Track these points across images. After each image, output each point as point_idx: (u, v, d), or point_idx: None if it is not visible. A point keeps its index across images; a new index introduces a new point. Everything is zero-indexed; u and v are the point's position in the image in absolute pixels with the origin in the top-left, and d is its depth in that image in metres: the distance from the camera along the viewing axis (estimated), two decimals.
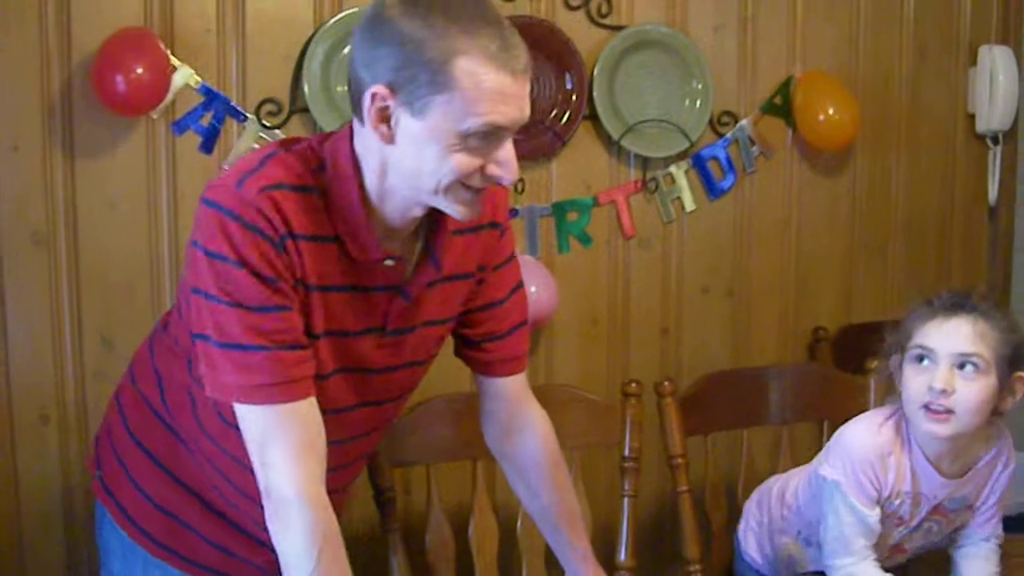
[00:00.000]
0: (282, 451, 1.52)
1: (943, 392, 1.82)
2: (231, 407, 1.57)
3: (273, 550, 1.74)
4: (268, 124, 2.49)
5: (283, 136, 2.48)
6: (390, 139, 1.50)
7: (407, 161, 1.51)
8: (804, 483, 2.10)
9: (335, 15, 2.50)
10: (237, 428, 1.58)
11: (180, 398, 1.71)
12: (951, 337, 1.83)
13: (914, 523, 1.98)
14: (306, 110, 2.50)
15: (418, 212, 1.60)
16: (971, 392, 1.82)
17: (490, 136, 1.49)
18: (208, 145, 2.46)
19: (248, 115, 2.48)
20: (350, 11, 2.50)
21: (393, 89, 1.46)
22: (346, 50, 2.50)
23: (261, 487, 1.54)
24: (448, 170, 1.50)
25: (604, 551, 2.21)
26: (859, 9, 3.02)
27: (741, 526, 2.31)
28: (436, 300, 1.72)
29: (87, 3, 2.35)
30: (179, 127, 2.44)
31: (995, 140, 3.18)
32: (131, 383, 1.81)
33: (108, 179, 2.41)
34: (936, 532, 2.01)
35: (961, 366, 1.82)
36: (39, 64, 2.34)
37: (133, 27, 2.36)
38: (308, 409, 1.56)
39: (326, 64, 2.49)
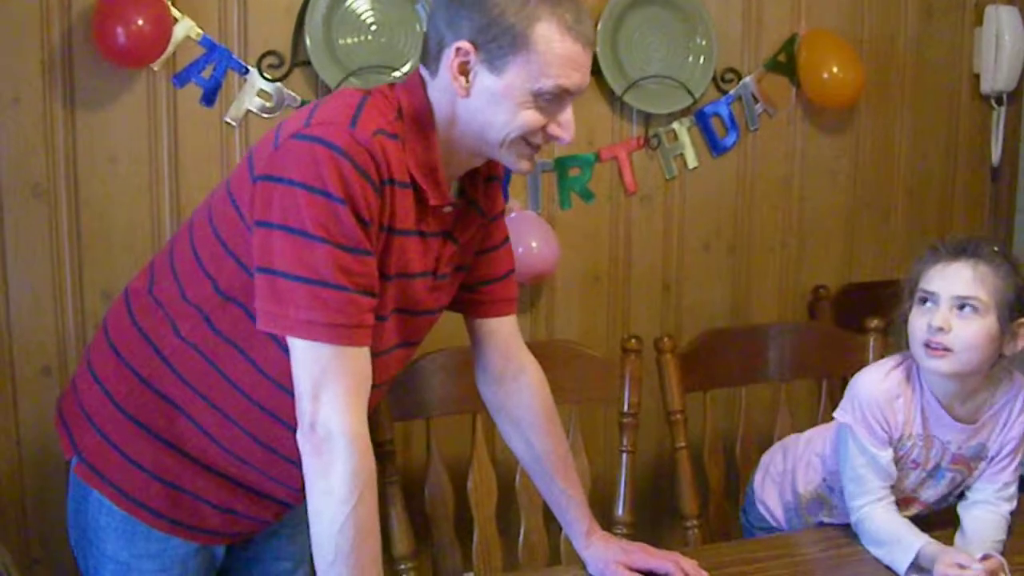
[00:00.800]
0: (338, 390, 1.54)
1: (940, 330, 1.88)
2: (273, 360, 1.60)
3: (281, 502, 1.75)
4: (269, 77, 2.48)
5: (286, 90, 2.47)
6: (466, 92, 1.62)
7: (479, 114, 1.63)
8: (831, 433, 2.13)
9: None
10: (276, 382, 1.62)
11: (189, 358, 1.69)
12: (951, 280, 1.90)
13: (930, 466, 2.00)
14: (308, 63, 2.49)
15: (478, 162, 1.74)
16: (968, 331, 1.88)
17: (557, 98, 1.62)
18: (209, 98, 2.45)
19: (250, 68, 2.46)
20: None
21: (476, 46, 1.59)
22: (348, 3, 2.49)
23: (304, 422, 1.54)
24: (517, 125, 1.62)
25: (602, 506, 2.23)
26: None
27: (758, 476, 2.31)
28: (469, 245, 1.81)
29: None
30: (180, 79, 2.43)
31: (999, 101, 3.16)
32: (112, 353, 1.75)
33: (109, 132, 2.40)
34: (959, 481, 2.03)
35: (960, 307, 1.89)
36: (39, 16, 2.32)
37: None
38: (365, 356, 1.59)
39: (328, 17, 2.48)
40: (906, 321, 1.96)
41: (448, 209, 1.71)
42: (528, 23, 1.57)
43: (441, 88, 1.64)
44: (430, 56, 1.65)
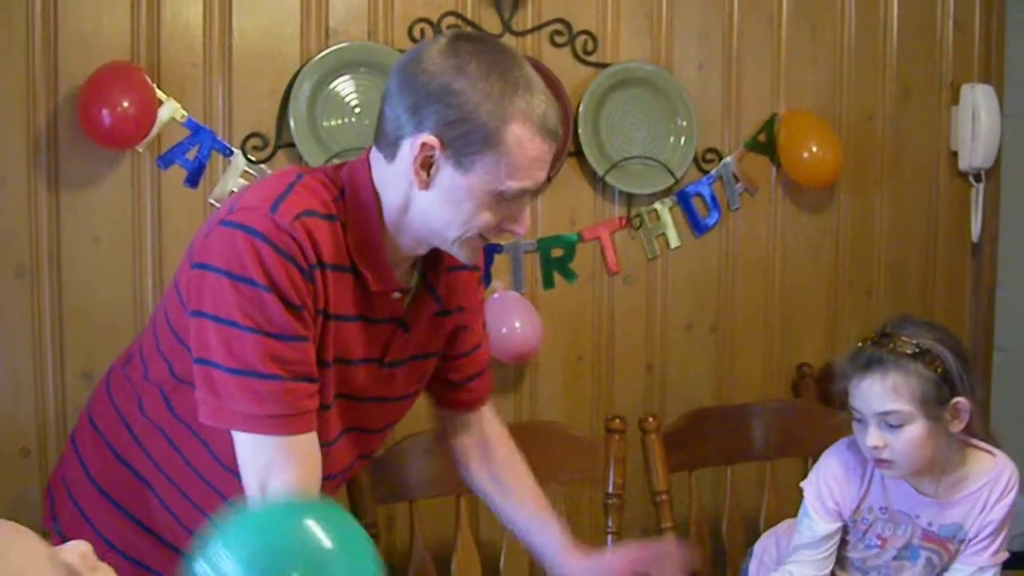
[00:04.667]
0: (285, 482, 1.51)
1: (875, 448, 1.91)
2: (226, 447, 1.56)
3: None
4: (254, 159, 2.49)
5: (269, 171, 2.48)
6: (426, 185, 1.55)
7: (436, 208, 1.57)
8: None
9: (321, 50, 2.51)
10: (228, 468, 1.58)
11: (154, 438, 1.67)
12: (868, 398, 1.92)
13: (899, 544, 1.99)
14: (292, 145, 2.51)
15: (425, 249, 1.66)
16: (901, 442, 1.90)
17: (519, 196, 1.57)
18: (194, 179, 2.46)
19: (234, 149, 2.48)
20: (337, 46, 2.51)
21: (443, 142, 1.52)
22: (332, 85, 2.52)
23: None
24: (475, 224, 1.57)
25: None
26: (842, 48, 3.04)
27: (753, 565, 2.29)
28: (428, 333, 1.76)
29: (74, 36, 2.36)
30: (164, 161, 2.44)
31: (977, 178, 3.19)
32: (91, 428, 1.76)
33: (93, 213, 2.41)
34: (938, 564, 2.02)
35: (886, 422, 1.90)
36: (25, 97, 2.34)
37: (120, 61, 2.37)
38: (311, 443, 1.56)
39: (312, 99, 2.50)
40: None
41: (397, 295, 1.66)
42: (501, 123, 1.50)
43: (396, 174, 1.57)
44: (386, 141, 1.58)
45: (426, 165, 1.54)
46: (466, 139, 1.51)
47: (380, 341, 1.68)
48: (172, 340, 1.62)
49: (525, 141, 1.52)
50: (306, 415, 1.53)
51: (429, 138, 1.52)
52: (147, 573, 1.71)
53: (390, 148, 1.57)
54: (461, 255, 1.63)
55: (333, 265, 1.56)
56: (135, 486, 1.70)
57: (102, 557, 1.66)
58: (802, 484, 2.08)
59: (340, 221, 1.58)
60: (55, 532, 1.77)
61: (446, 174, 1.54)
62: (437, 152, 1.52)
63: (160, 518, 1.69)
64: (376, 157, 1.61)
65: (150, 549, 1.71)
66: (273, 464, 1.51)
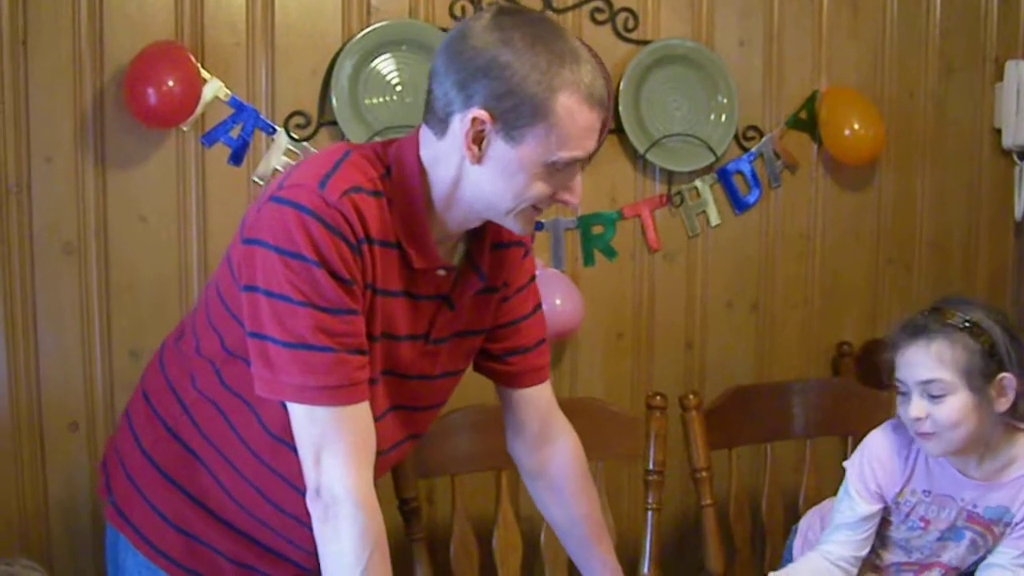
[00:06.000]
0: (338, 453, 1.53)
1: (918, 420, 1.90)
2: (276, 417, 1.58)
3: (297, 564, 1.74)
4: (296, 137, 2.51)
5: (312, 149, 2.50)
6: (478, 160, 1.56)
7: (488, 182, 1.57)
8: None
9: (363, 29, 2.52)
10: (279, 438, 1.60)
11: (206, 411, 1.70)
12: (911, 367, 1.91)
13: (943, 526, 1.98)
14: (334, 123, 2.53)
15: (475, 224, 1.67)
16: (943, 413, 1.88)
17: (570, 165, 1.57)
18: (237, 157, 2.49)
19: (277, 128, 2.50)
20: (378, 24, 2.52)
21: (493, 116, 1.52)
22: (374, 63, 2.53)
23: (311, 487, 1.54)
24: (529, 196, 1.58)
25: (627, 564, 2.21)
26: (885, 25, 3.02)
27: (797, 542, 2.28)
28: (473, 311, 1.76)
29: (119, 17, 2.38)
30: (208, 139, 2.47)
31: (1021, 155, 3.16)
32: (144, 401, 1.79)
33: (138, 191, 2.44)
34: (982, 546, 2.01)
35: (929, 392, 1.89)
36: (72, 77, 2.37)
37: (164, 41, 2.39)
38: (364, 413, 1.58)
39: (354, 77, 2.52)
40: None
41: (442, 272, 1.67)
42: (550, 92, 1.51)
43: (447, 150, 1.58)
44: (435, 117, 1.58)
45: (478, 139, 1.54)
46: (516, 111, 1.51)
47: (425, 318, 1.69)
48: (224, 313, 1.64)
49: (574, 111, 1.53)
50: (358, 386, 1.56)
51: (479, 112, 1.52)
52: (198, 545, 1.74)
53: (440, 125, 1.58)
54: (516, 227, 1.63)
55: (380, 241, 1.58)
56: (185, 459, 1.72)
57: (156, 530, 1.72)
58: (845, 464, 2.08)
59: (386, 198, 1.59)
60: (109, 503, 1.80)
61: (498, 147, 1.54)
62: (488, 126, 1.53)
63: (210, 491, 1.72)
64: (426, 135, 1.61)
65: (200, 521, 1.73)
66: (327, 434, 1.53)
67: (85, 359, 2.44)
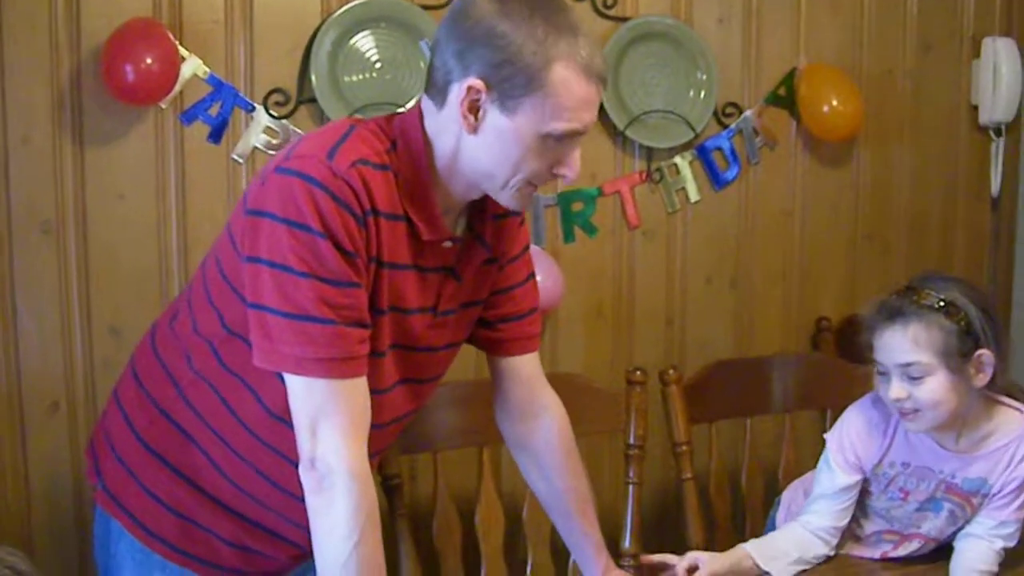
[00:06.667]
0: (335, 425, 1.53)
1: (897, 400, 1.91)
2: (276, 395, 1.58)
3: (295, 544, 1.74)
4: (276, 114, 2.50)
5: (291, 127, 2.50)
6: (474, 129, 1.57)
7: (485, 153, 1.58)
8: None
9: (342, 5, 2.51)
10: (278, 417, 1.60)
11: (202, 391, 1.69)
12: (890, 350, 1.92)
13: (922, 497, 2.00)
14: (313, 100, 2.52)
15: (475, 195, 1.68)
16: (924, 393, 1.90)
17: (566, 139, 1.57)
18: (216, 135, 2.48)
19: (256, 105, 2.49)
20: (357, 1, 2.51)
21: (489, 85, 1.53)
22: (353, 41, 2.52)
23: (304, 458, 1.54)
24: (524, 168, 1.58)
25: (608, 538, 2.22)
26: (863, 1, 3.03)
27: (780, 514, 2.29)
28: (477, 281, 1.78)
29: None
30: (187, 117, 2.46)
31: (998, 132, 3.18)
32: (135, 383, 1.78)
33: (117, 169, 2.42)
34: (960, 517, 2.03)
35: (908, 373, 1.90)
36: (49, 55, 2.35)
37: (142, 17, 2.38)
38: (362, 387, 1.57)
39: (333, 54, 2.51)
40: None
41: (448, 244, 1.68)
42: (545, 63, 1.51)
43: (446, 121, 1.59)
44: (435, 88, 1.59)
45: (473, 109, 1.55)
46: (511, 81, 1.52)
47: (433, 290, 1.70)
48: (225, 289, 1.63)
49: (570, 82, 1.53)
50: (357, 359, 1.56)
51: (475, 81, 1.53)
52: (194, 528, 1.73)
53: (439, 95, 1.59)
54: (512, 202, 1.64)
55: (387, 214, 1.58)
56: (180, 441, 1.71)
57: (151, 514, 1.70)
58: (825, 436, 2.09)
59: (393, 171, 1.60)
60: (100, 487, 1.78)
61: (493, 117, 1.55)
62: (483, 95, 1.54)
63: (206, 472, 1.71)
64: (427, 106, 1.62)
65: (197, 504, 1.72)
66: (324, 406, 1.53)
67: (64, 338, 2.43)
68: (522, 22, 1.52)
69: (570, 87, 1.53)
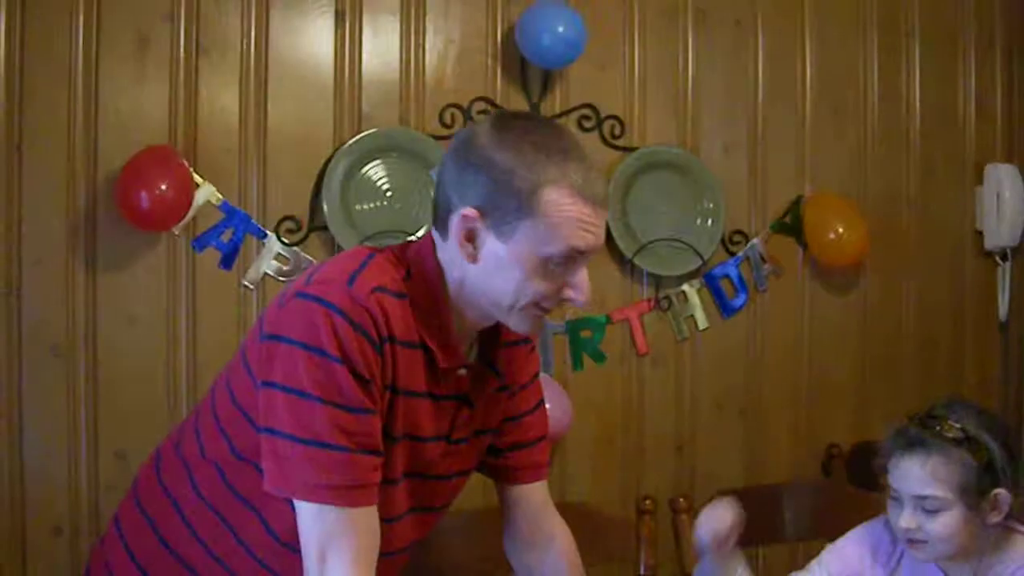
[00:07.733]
0: (344, 554, 1.51)
1: (908, 530, 1.87)
2: (284, 521, 1.56)
3: None
4: (287, 241, 2.53)
5: (303, 254, 2.52)
6: (474, 258, 1.57)
7: (488, 280, 1.58)
8: None
9: (354, 135, 2.56)
10: (286, 543, 1.58)
11: (207, 519, 1.66)
12: (907, 479, 1.88)
13: None
14: (325, 228, 2.55)
15: (488, 323, 1.67)
16: (936, 526, 1.86)
17: (569, 261, 1.56)
18: (228, 261, 2.50)
19: (268, 232, 2.52)
20: (369, 131, 2.56)
21: (482, 213, 1.54)
22: (364, 170, 2.56)
23: None
24: (528, 292, 1.57)
25: None
26: (867, 129, 3.08)
27: None
28: (489, 409, 1.76)
29: (114, 121, 2.42)
30: (199, 243, 2.48)
31: (1004, 256, 3.21)
32: (138, 510, 1.74)
33: (128, 293, 2.44)
34: None
35: (923, 506, 1.87)
36: (65, 181, 2.40)
37: (158, 145, 2.42)
38: (372, 516, 1.55)
39: (345, 183, 2.54)
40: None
41: (463, 372, 1.67)
42: (535, 187, 1.51)
43: (450, 252, 1.59)
44: (439, 219, 1.60)
45: (470, 237, 1.56)
46: (504, 207, 1.53)
47: (447, 418, 1.68)
48: (236, 416, 1.62)
49: (563, 204, 1.53)
50: (369, 488, 1.54)
51: (468, 210, 1.54)
52: None
53: (443, 225, 1.59)
54: (520, 326, 1.62)
55: (403, 341, 1.58)
56: (178, 571, 1.68)
57: None
58: (828, 547, 2.04)
59: (409, 299, 1.60)
60: None
61: (491, 244, 1.55)
62: (478, 223, 1.54)
63: None
64: (436, 237, 1.63)
65: None
66: (333, 535, 1.51)
67: (71, 462, 2.42)
68: (513, 148, 1.53)
69: (562, 209, 1.53)
